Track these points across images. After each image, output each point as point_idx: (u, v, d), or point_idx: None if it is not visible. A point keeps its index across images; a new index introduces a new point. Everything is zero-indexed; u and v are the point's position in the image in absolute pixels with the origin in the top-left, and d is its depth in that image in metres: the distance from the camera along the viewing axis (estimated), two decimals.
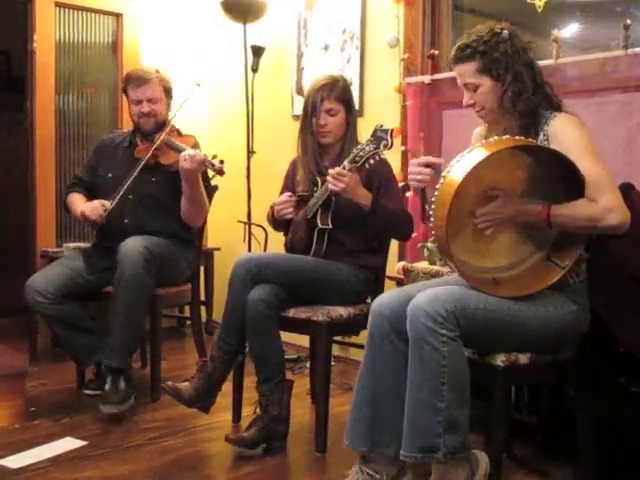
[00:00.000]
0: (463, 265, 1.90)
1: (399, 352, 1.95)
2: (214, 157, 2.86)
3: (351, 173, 2.45)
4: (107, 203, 2.94)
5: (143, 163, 2.97)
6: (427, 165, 2.02)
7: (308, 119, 2.68)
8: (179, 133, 3.14)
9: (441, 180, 1.85)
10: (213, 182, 3.18)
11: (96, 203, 2.96)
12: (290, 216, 2.68)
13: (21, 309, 3.14)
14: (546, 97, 1.99)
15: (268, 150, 3.99)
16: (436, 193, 1.84)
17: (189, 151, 2.86)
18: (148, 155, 2.98)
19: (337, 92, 2.64)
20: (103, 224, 2.97)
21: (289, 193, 2.72)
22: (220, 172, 2.86)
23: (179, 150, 2.93)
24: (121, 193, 2.95)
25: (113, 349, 2.80)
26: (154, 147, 2.98)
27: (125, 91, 3.14)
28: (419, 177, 2.03)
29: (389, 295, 2.06)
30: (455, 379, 1.80)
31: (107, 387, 2.77)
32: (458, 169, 1.82)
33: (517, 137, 1.90)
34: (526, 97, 1.95)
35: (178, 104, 3.12)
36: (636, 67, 2.57)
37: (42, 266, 3.61)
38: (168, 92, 3.14)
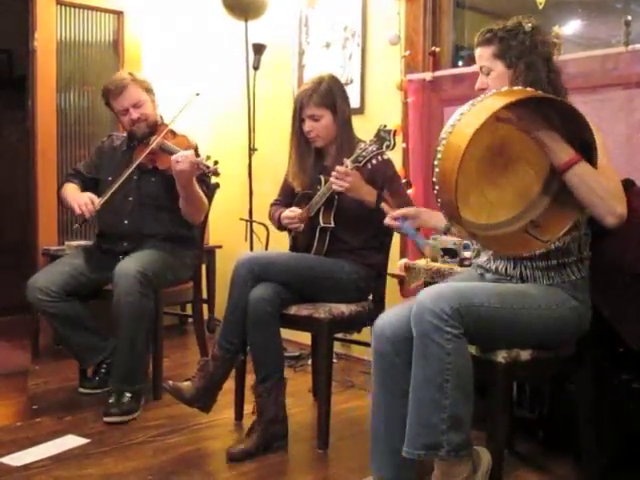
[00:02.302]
0: (459, 217, 1.81)
1: (404, 376, 1.93)
2: (208, 158, 2.85)
3: (354, 172, 2.46)
4: (96, 200, 2.92)
5: (135, 166, 2.96)
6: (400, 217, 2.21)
7: (296, 125, 2.71)
8: (173, 133, 3.12)
9: (449, 130, 1.76)
10: (213, 180, 3.18)
11: (86, 198, 2.92)
12: (300, 230, 2.69)
13: (23, 307, 3.15)
14: (557, 95, 1.98)
15: (270, 148, 3.99)
16: (444, 136, 1.76)
17: (182, 152, 2.84)
18: (140, 159, 2.97)
19: (318, 97, 2.63)
20: (88, 221, 2.95)
21: (296, 209, 2.70)
22: (215, 173, 2.85)
23: (174, 153, 2.92)
24: (111, 192, 2.93)
25: (118, 373, 2.80)
26: (148, 150, 2.98)
27: (109, 105, 3.11)
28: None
29: (390, 315, 2.05)
30: (459, 376, 1.80)
31: (111, 400, 2.76)
32: (473, 115, 1.73)
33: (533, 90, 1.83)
34: (538, 89, 1.94)
35: (177, 109, 3.07)
36: (637, 63, 2.57)
37: (44, 264, 3.62)
38: (149, 91, 3.11)
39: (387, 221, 2.25)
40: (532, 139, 1.82)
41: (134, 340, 2.78)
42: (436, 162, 1.76)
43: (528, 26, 1.99)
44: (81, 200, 2.92)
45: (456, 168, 1.68)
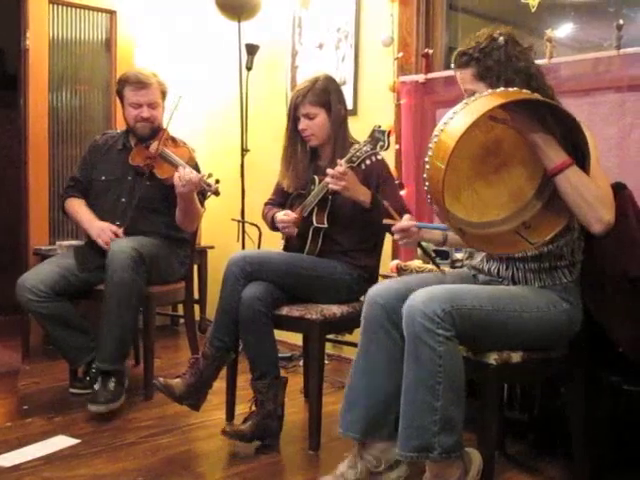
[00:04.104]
0: (447, 213, 1.83)
1: (393, 340, 1.99)
2: (209, 176, 2.83)
3: (349, 172, 2.46)
4: (118, 231, 2.94)
5: (138, 169, 2.98)
6: (405, 229, 2.11)
7: (290, 124, 2.71)
8: (174, 142, 3.10)
9: (441, 128, 1.77)
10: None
11: (108, 232, 2.94)
12: (294, 234, 2.68)
13: (14, 307, 3.13)
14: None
15: (262, 148, 4.00)
16: (436, 133, 1.77)
17: (184, 172, 2.82)
18: (141, 166, 2.98)
19: (313, 96, 2.64)
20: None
21: (291, 212, 2.69)
22: (216, 193, 2.84)
23: (174, 164, 2.92)
24: (130, 214, 2.96)
25: (104, 351, 2.80)
26: (148, 158, 2.97)
27: (120, 92, 3.09)
28: (405, 241, 2.14)
29: (384, 285, 2.09)
30: (451, 379, 1.81)
31: (96, 387, 2.76)
32: (470, 110, 1.74)
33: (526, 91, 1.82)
34: None
35: (167, 114, 3.08)
36: (628, 67, 2.59)
37: (35, 264, 3.60)
38: (164, 96, 3.13)
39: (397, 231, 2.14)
40: (526, 140, 1.82)
41: (121, 318, 2.78)
42: (427, 159, 1.77)
43: (501, 40, 1.97)
44: (105, 235, 2.94)
45: (444, 165, 1.69)
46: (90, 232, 2.98)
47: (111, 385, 2.77)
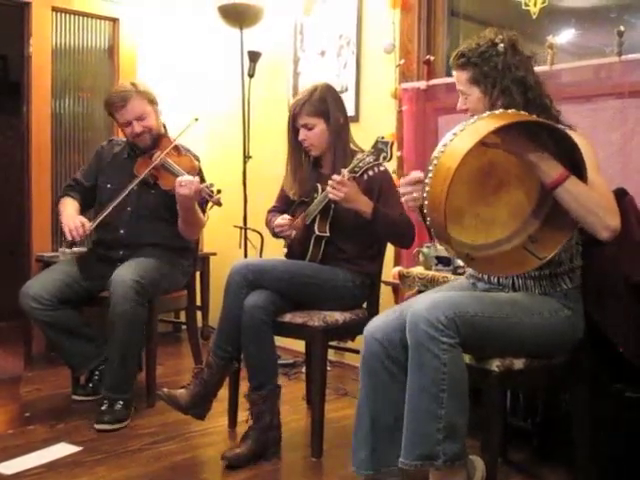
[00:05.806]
0: (448, 236, 1.82)
1: (394, 377, 1.96)
2: (211, 186, 2.82)
3: (350, 182, 2.46)
4: (87, 224, 2.89)
5: (136, 183, 2.95)
6: (417, 182, 1.93)
7: (291, 135, 2.72)
8: (177, 151, 3.07)
9: (442, 150, 1.75)
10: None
11: (77, 222, 2.89)
12: (291, 237, 2.69)
13: (16, 314, 3.13)
14: (543, 110, 1.97)
15: (264, 155, 4.00)
16: (436, 155, 1.75)
17: (186, 177, 2.82)
18: (141, 177, 2.96)
19: (310, 106, 2.64)
20: (77, 244, 2.94)
21: (287, 216, 2.71)
22: (217, 203, 2.81)
23: (177, 175, 2.90)
24: (103, 215, 2.91)
25: (110, 381, 2.80)
26: (151, 167, 2.96)
27: (111, 115, 3.08)
28: (413, 195, 1.96)
29: (381, 318, 2.06)
30: (455, 386, 1.80)
31: (103, 408, 2.76)
32: (463, 138, 1.73)
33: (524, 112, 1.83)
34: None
35: (177, 132, 3.05)
36: (630, 73, 2.59)
37: (37, 271, 3.61)
38: (152, 101, 3.07)
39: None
40: (520, 159, 1.82)
41: (126, 349, 2.78)
42: (427, 180, 1.76)
43: (501, 47, 1.96)
44: (72, 224, 2.89)
45: (445, 189, 1.69)
46: (64, 229, 2.93)
47: (117, 407, 2.77)
